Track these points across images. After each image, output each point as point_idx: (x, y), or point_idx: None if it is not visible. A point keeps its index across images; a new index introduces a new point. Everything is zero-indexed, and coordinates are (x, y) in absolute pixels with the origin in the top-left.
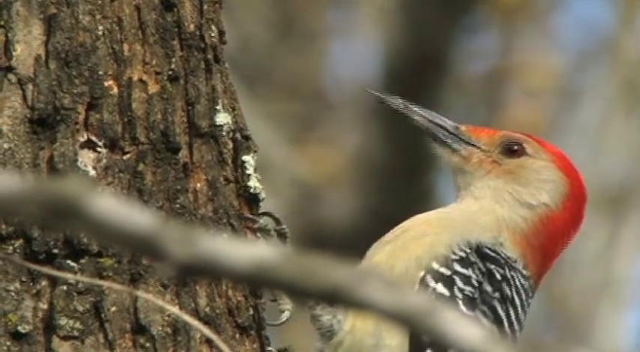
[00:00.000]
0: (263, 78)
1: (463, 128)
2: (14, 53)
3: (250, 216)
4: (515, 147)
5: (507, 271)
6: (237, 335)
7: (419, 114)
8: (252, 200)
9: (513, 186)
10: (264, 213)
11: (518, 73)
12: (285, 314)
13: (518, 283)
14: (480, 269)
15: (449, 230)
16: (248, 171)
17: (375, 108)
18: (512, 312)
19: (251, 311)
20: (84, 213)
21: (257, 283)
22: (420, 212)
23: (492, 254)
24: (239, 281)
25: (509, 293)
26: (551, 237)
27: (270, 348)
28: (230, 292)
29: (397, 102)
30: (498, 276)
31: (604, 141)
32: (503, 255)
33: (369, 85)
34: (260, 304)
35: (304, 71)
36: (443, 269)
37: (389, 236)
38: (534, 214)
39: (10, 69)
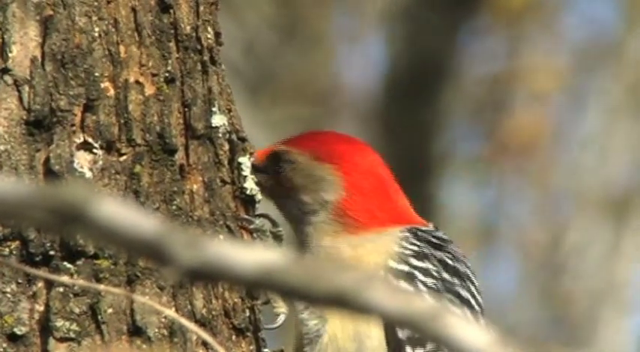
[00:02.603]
0: (267, 82)
1: (254, 156)
2: (10, 55)
3: (247, 217)
4: (278, 160)
5: (444, 252)
6: (234, 337)
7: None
8: (248, 201)
9: (296, 200)
10: (261, 215)
11: (523, 76)
12: (281, 318)
13: (454, 254)
14: (437, 258)
15: (372, 251)
16: (244, 173)
17: (377, 112)
18: (472, 287)
19: (247, 313)
20: (89, 218)
21: (263, 287)
22: (423, 215)
23: (437, 241)
24: (245, 286)
25: (460, 269)
26: (364, 209)
27: (266, 350)
28: (226, 294)
29: None
30: (448, 261)
31: (608, 145)
32: (435, 240)
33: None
34: (256, 306)
35: (309, 75)
36: (401, 266)
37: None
38: (331, 208)
39: (6, 70)
